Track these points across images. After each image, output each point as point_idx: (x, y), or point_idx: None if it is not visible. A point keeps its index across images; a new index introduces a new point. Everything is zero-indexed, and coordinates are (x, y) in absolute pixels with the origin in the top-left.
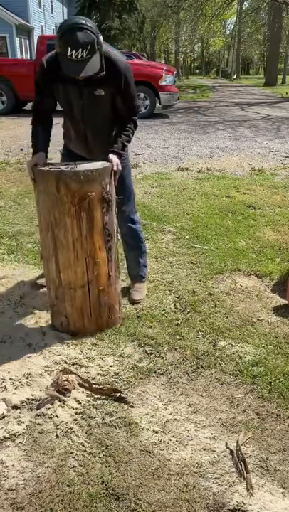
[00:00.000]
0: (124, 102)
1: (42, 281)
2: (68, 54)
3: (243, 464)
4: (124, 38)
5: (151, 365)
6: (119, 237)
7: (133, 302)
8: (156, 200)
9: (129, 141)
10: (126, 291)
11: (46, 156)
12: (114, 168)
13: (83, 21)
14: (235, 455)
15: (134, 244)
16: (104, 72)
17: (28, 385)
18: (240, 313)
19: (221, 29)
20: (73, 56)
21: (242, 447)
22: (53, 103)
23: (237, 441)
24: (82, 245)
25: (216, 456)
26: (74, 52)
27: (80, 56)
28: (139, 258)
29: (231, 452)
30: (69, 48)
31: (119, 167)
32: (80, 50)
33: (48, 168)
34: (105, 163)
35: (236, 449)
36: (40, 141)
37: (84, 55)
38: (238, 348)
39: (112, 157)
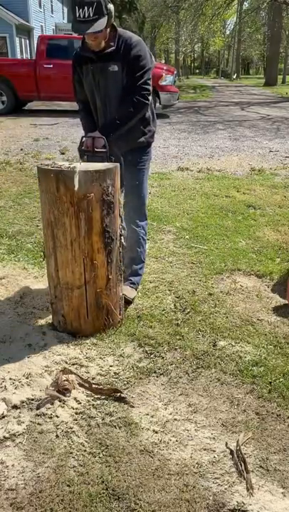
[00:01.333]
0: (131, 75)
1: None
2: (76, 14)
3: (243, 464)
4: None
5: (151, 365)
6: (122, 240)
7: (126, 301)
8: (156, 200)
9: (121, 124)
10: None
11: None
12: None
13: None
14: (235, 455)
15: (130, 246)
16: (114, 47)
17: (28, 385)
18: (240, 313)
19: (221, 29)
20: (81, 16)
21: (242, 447)
22: (85, 95)
23: (237, 441)
24: (80, 246)
25: (216, 456)
26: (81, 11)
27: (86, 15)
28: (133, 263)
29: (231, 452)
30: (76, 8)
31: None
32: (86, 8)
33: (49, 167)
34: (108, 165)
35: (236, 449)
36: (87, 127)
37: (90, 15)
38: (238, 348)
39: (92, 133)
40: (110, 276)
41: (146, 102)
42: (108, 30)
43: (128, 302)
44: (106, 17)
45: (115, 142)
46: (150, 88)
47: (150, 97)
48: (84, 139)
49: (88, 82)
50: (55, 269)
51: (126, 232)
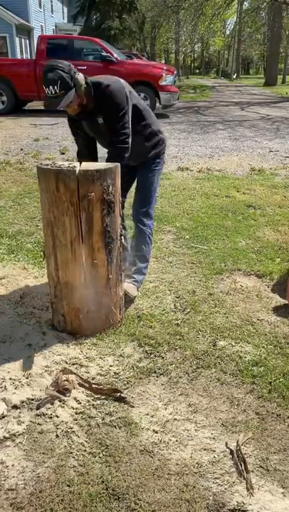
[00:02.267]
0: (110, 122)
1: None
2: (46, 92)
3: (243, 464)
4: (124, 38)
5: (151, 365)
6: (123, 241)
7: (127, 295)
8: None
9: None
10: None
11: None
12: None
13: (55, 63)
14: (235, 455)
15: (136, 245)
16: (94, 105)
17: (28, 385)
18: (240, 313)
19: (221, 29)
20: (49, 93)
21: (242, 447)
22: (85, 139)
23: (237, 442)
24: (80, 245)
25: (216, 456)
26: (48, 89)
27: (53, 92)
28: (138, 261)
29: (231, 452)
30: (44, 87)
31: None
32: (51, 86)
33: (49, 167)
34: (109, 164)
35: (236, 449)
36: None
37: (57, 91)
38: (238, 348)
39: None
40: (110, 276)
41: (126, 145)
42: (80, 97)
43: (129, 300)
44: (73, 89)
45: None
46: (128, 129)
47: (129, 139)
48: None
49: (91, 131)
50: (55, 268)
51: (126, 232)
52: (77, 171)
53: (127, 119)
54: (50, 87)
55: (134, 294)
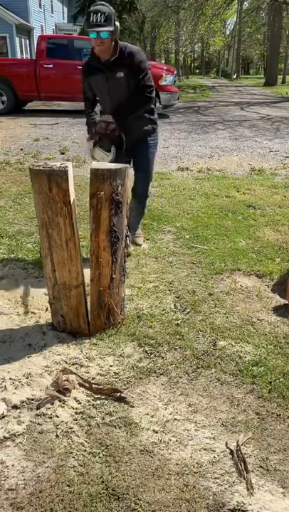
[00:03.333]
0: (138, 80)
1: None
2: (91, 19)
3: (243, 464)
4: (124, 38)
5: (151, 365)
6: (128, 241)
7: (137, 245)
8: (156, 200)
9: (131, 111)
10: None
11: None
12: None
13: (104, 2)
14: (235, 455)
15: (141, 211)
16: (117, 56)
17: (28, 385)
18: (240, 313)
19: (221, 29)
20: (94, 20)
21: (242, 447)
22: (92, 94)
23: (237, 442)
24: (75, 245)
25: (216, 456)
26: (94, 16)
27: (98, 20)
28: (140, 219)
29: (231, 452)
30: (92, 14)
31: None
32: (99, 15)
33: (41, 168)
34: (118, 165)
35: (236, 449)
36: (91, 125)
37: (101, 21)
38: (238, 348)
39: (106, 118)
40: (114, 276)
41: (152, 96)
42: (112, 43)
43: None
44: (113, 28)
45: (124, 127)
46: (153, 84)
47: (154, 92)
48: (99, 122)
49: (100, 89)
50: (52, 269)
51: (131, 237)
52: (69, 171)
53: (150, 75)
54: (98, 14)
55: (141, 243)
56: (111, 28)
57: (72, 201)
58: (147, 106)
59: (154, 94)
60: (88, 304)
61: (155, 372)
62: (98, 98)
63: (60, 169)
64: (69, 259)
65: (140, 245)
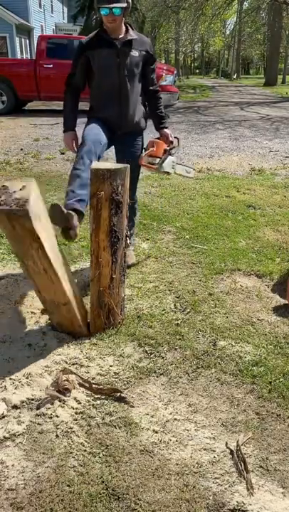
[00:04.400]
0: (152, 69)
1: None
2: None
3: (243, 464)
4: None
5: (151, 365)
6: (128, 241)
7: (127, 267)
8: (156, 200)
9: (164, 112)
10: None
11: (75, 130)
12: (171, 139)
13: None
14: (235, 455)
15: (129, 217)
16: (136, 37)
17: (28, 385)
18: (240, 313)
19: (221, 29)
20: None
21: (242, 447)
22: (83, 78)
23: (237, 442)
24: (55, 272)
25: (216, 456)
26: None
27: None
28: (129, 230)
29: (231, 452)
30: None
31: (172, 138)
32: None
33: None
34: (118, 165)
35: (236, 449)
36: (68, 117)
37: None
38: (238, 348)
39: (167, 131)
40: (114, 276)
41: (158, 89)
42: (124, 21)
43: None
44: (126, 4)
45: (124, 110)
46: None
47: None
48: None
49: (105, 64)
50: (37, 290)
51: (132, 236)
52: (28, 207)
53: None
54: None
55: (134, 261)
56: (124, 4)
57: (42, 236)
58: (155, 101)
59: (159, 88)
60: (88, 303)
61: (155, 372)
62: (97, 77)
63: (18, 209)
64: (51, 283)
65: (129, 266)
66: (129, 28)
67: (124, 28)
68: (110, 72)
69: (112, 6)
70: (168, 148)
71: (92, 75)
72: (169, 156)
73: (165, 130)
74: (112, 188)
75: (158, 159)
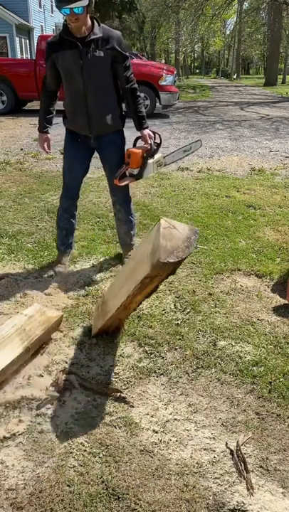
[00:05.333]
0: (124, 66)
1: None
2: None
3: (243, 464)
4: (124, 38)
5: (151, 365)
6: (131, 242)
7: None
8: (156, 200)
9: (143, 112)
10: None
11: (48, 129)
12: (150, 141)
13: None
14: (235, 455)
15: (127, 219)
16: (101, 35)
17: (28, 385)
18: (240, 313)
19: (221, 29)
20: None
21: (242, 447)
22: (56, 77)
23: (237, 442)
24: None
25: (216, 456)
26: None
27: None
28: (130, 231)
29: (231, 452)
30: None
31: (152, 139)
32: None
33: None
34: (188, 252)
35: (236, 449)
36: (40, 120)
37: None
38: (238, 347)
39: (147, 131)
40: (136, 307)
41: (136, 87)
42: (88, 18)
43: None
44: (88, 1)
45: (93, 114)
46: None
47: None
48: (155, 137)
49: (69, 67)
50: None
51: (116, 207)
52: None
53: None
54: None
55: None
56: (85, 2)
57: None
58: (132, 100)
59: (136, 86)
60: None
61: (155, 372)
62: (63, 80)
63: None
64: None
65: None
66: (96, 24)
67: (89, 24)
68: (74, 75)
69: (72, 5)
70: (145, 154)
71: (60, 78)
72: (150, 160)
73: (144, 131)
74: (171, 271)
75: (137, 170)
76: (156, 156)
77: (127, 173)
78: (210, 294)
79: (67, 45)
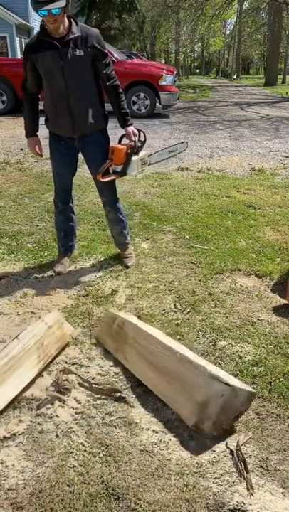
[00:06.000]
0: (104, 64)
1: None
2: None
3: (243, 464)
4: (124, 38)
5: None
6: (126, 241)
7: (127, 267)
8: (156, 200)
9: (126, 109)
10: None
11: (37, 133)
12: (137, 137)
13: None
14: (235, 455)
15: (118, 219)
16: (79, 34)
17: (29, 387)
18: (240, 313)
19: (221, 29)
20: None
21: (242, 447)
22: (36, 79)
23: (237, 442)
24: None
25: (216, 456)
26: None
27: None
28: (123, 230)
29: (231, 452)
30: None
31: (136, 136)
32: None
33: None
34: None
35: (236, 449)
36: (27, 124)
37: None
38: (238, 347)
39: (131, 128)
40: None
41: (118, 84)
42: (66, 18)
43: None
44: (65, 2)
45: (76, 113)
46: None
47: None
48: (139, 135)
49: (49, 68)
50: None
51: (106, 208)
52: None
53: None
54: None
55: (134, 261)
56: (63, 3)
57: None
58: (115, 98)
59: (118, 83)
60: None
61: None
62: (44, 81)
63: None
64: None
65: (128, 267)
66: (73, 23)
67: (67, 24)
68: (55, 76)
69: (50, 7)
70: (129, 151)
71: (41, 79)
72: (134, 157)
73: (128, 128)
74: None
75: (120, 166)
76: (141, 154)
77: (111, 170)
78: (210, 294)
79: (46, 46)
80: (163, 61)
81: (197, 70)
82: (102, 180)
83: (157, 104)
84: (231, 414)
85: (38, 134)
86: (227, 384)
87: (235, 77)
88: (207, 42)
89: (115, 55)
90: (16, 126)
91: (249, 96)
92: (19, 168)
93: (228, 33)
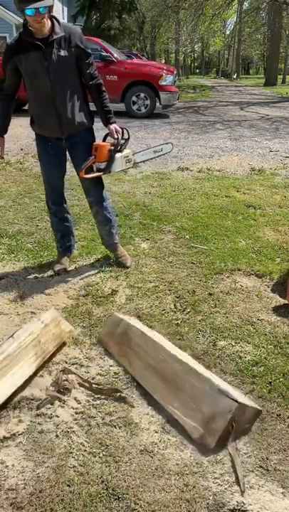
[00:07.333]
0: (88, 64)
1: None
2: None
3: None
4: (124, 38)
5: None
6: (114, 241)
7: (127, 268)
8: (156, 200)
9: (109, 107)
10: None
11: (4, 135)
12: (120, 134)
13: None
14: (229, 453)
15: (106, 219)
16: (63, 34)
17: (28, 385)
18: (240, 313)
19: (221, 29)
20: None
21: (242, 447)
22: (16, 80)
23: (229, 440)
24: None
25: (216, 456)
26: None
27: None
28: (111, 229)
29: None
30: None
31: (119, 133)
32: None
33: None
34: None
35: (232, 447)
36: (0, 125)
37: None
38: (238, 347)
39: (114, 126)
40: None
41: (101, 82)
42: (49, 19)
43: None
44: (52, 2)
45: (62, 113)
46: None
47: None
48: (123, 133)
49: (31, 70)
50: None
51: (94, 209)
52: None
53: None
54: None
55: (129, 264)
56: (50, 3)
57: None
58: (98, 96)
59: (101, 81)
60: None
61: None
62: (27, 83)
63: None
64: None
65: (128, 267)
66: (56, 23)
67: (50, 24)
68: (40, 77)
69: (37, 5)
70: (112, 148)
71: (24, 80)
72: (118, 154)
73: (111, 126)
74: None
75: (104, 163)
76: (125, 152)
77: (94, 168)
78: (210, 294)
79: (30, 47)
80: (163, 61)
81: (197, 70)
82: (84, 176)
83: (157, 104)
84: (237, 430)
85: (5, 136)
86: (236, 401)
87: (235, 77)
88: (207, 42)
89: (115, 55)
90: (16, 126)
91: (249, 96)
92: (19, 168)
93: (228, 33)
